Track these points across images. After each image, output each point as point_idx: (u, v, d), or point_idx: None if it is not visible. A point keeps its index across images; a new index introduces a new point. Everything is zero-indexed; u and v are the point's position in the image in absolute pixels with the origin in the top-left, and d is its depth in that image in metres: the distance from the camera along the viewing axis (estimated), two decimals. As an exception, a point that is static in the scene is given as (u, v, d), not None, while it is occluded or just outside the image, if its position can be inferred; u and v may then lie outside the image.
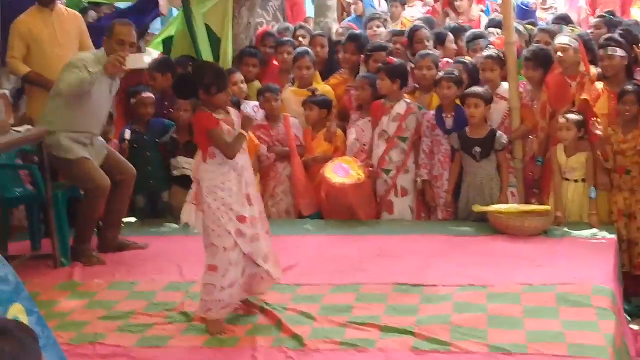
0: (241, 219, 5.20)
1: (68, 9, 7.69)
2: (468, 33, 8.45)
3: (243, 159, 5.28)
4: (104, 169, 6.70)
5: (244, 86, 7.96)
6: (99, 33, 7.83)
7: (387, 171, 7.44)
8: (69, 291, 6.09)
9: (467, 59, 7.83)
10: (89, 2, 9.52)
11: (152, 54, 7.77)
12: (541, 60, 7.22)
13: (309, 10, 12.64)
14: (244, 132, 5.22)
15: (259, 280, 5.44)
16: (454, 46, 8.45)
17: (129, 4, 9.37)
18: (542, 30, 7.96)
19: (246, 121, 5.37)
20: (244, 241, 5.20)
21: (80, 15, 7.82)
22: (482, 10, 11.52)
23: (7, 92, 6.40)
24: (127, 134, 7.62)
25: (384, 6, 12.90)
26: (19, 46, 7.31)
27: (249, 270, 5.33)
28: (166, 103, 7.93)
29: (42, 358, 2.50)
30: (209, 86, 5.13)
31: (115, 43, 6.49)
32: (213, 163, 5.18)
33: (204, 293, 5.23)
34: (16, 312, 3.73)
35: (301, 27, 9.59)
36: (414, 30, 8.33)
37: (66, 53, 7.24)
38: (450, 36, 8.53)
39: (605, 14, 8.88)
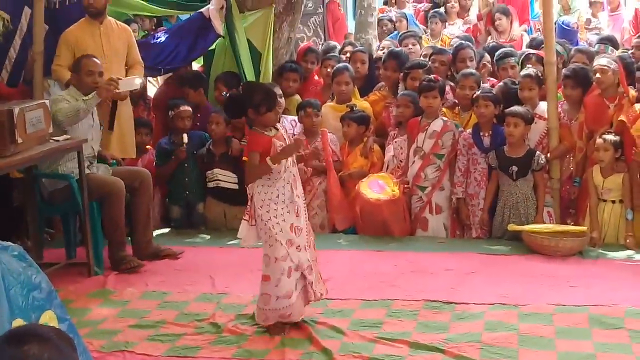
0: (292, 228, 5.29)
1: (119, 22, 7.78)
2: (498, 51, 8.42)
3: (294, 171, 5.39)
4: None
5: (281, 101, 7.99)
6: (144, 49, 7.98)
7: (423, 188, 7.42)
8: (102, 299, 6.16)
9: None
10: (134, 15, 9.61)
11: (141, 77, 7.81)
12: (581, 80, 7.17)
13: (351, 27, 12.67)
14: (268, 160, 5.21)
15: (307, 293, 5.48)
16: (489, 67, 8.42)
17: (179, 22, 9.43)
18: (579, 50, 7.92)
19: (289, 148, 5.35)
20: (294, 251, 5.28)
21: (129, 29, 7.89)
22: (525, 31, 11.48)
23: (47, 102, 6.46)
24: (185, 137, 7.69)
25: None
26: (66, 55, 7.39)
27: (301, 282, 5.39)
28: (199, 115, 8.03)
29: None
30: (259, 106, 5.22)
31: (85, 75, 6.85)
32: (268, 178, 5.27)
33: (261, 302, 5.32)
34: (48, 319, 3.78)
35: (350, 43, 9.62)
36: (459, 48, 8.33)
37: (110, 66, 7.34)
38: (487, 57, 8.51)
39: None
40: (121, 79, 6.98)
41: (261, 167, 5.23)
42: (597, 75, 6.95)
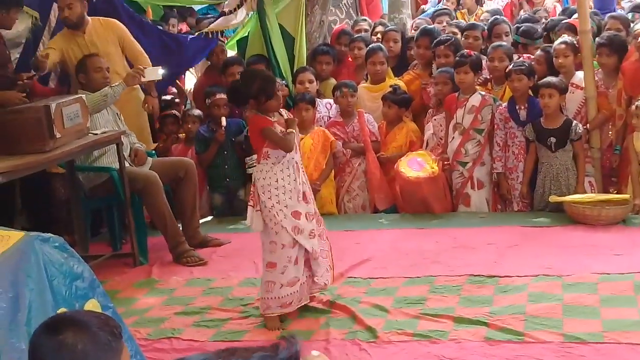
0: (296, 214, 5.24)
1: (103, 20, 7.56)
2: (491, 18, 8.41)
3: (297, 157, 5.36)
4: (164, 173, 6.88)
5: (311, 86, 7.99)
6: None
7: (464, 164, 7.39)
8: (148, 288, 6.24)
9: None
10: (163, 6, 9.66)
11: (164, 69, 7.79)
12: (616, 47, 7.11)
13: (385, 6, 12.57)
14: (293, 130, 5.29)
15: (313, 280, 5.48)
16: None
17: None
18: (612, 17, 7.82)
19: (290, 122, 5.40)
20: (302, 237, 5.24)
21: (117, 23, 7.66)
22: (558, 1, 11.35)
23: (83, 96, 6.52)
24: (224, 120, 7.75)
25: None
26: (54, 51, 7.21)
27: (307, 271, 5.38)
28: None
29: (122, 354, 2.44)
30: (258, 95, 5.21)
31: (94, 72, 6.94)
32: (267, 163, 5.26)
33: (264, 291, 5.29)
34: (91, 307, 3.83)
35: (381, 23, 9.58)
36: (495, 24, 8.28)
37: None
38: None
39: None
40: (146, 68, 7.02)
41: (291, 134, 5.25)
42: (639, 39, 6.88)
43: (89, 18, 7.38)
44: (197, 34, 8.64)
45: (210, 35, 8.58)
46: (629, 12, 8.59)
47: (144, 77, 6.95)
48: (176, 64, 8.47)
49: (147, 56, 7.62)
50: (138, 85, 7.49)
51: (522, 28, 8.20)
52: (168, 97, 8.78)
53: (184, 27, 10.34)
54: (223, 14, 8.51)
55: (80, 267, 3.84)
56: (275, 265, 5.23)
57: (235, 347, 1.62)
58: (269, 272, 5.26)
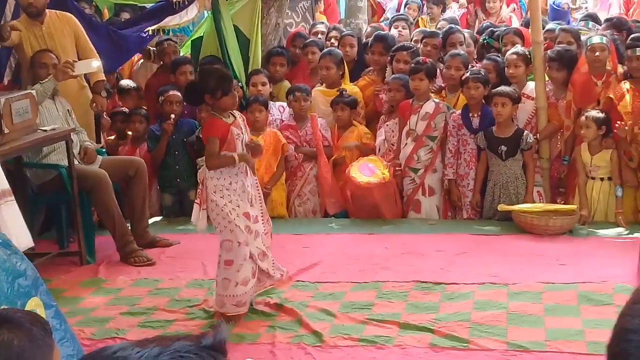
0: (247, 215, 5.31)
1: (60, 13, 7.43)
2: (446, 27, 8.53)
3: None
4: (113, 172, 6.83)
5: (264, 88, 7.95)
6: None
7: (415, 170, 7.42)
8: (94, 288, 6.18)
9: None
10: (115, 4, 9.59)
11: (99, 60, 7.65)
12: (566, 61, 7.19)
13: (342, 12, 12.61)
14: (236, 155, 5.30)
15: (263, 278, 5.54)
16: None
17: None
18: (563, 30, 7.90)
19: (255, 149, 5.48)
20: (251, 238, 5.32)
21: (73, 17, 7.53)
22: (513, 10, 11.44)
23: (33, 92, 6.45)
24: (172, 116, 7.70)
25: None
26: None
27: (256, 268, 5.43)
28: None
29: (54, 351, 2.47)
30: (214, 90, 5.25)
31: (38, 69, 6.89)
32: None
33: (221, 288, 5.33)
34: (34, 305, 3.80)
35: (335, 28, 9.60)
36: (449, 33, 8.28)
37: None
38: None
39: (614, 17, 8.66)
40: (77, 62, 6.95)
41: (225, 158, 5.28)
42: (597, 53, 6.94)
43: (47, 10, 7.29)
44: (147, 30, 8.55)
45: (162, 33, 8.55)
46: (581, 21, 8.71)
47: (73, 71, 6.83)
48: (118, 57, 8.51)
49: (97, 55, 7.49)
50: (86, 84, 7.42)
51: (496, 32, 8.27)
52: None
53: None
54: (171, 4, 8.40)
55: (24, 264, 3.81)
56: (232, 262, 5.28)
57: (156, 337, 1.64)
58: (225, 270, 5.30)
